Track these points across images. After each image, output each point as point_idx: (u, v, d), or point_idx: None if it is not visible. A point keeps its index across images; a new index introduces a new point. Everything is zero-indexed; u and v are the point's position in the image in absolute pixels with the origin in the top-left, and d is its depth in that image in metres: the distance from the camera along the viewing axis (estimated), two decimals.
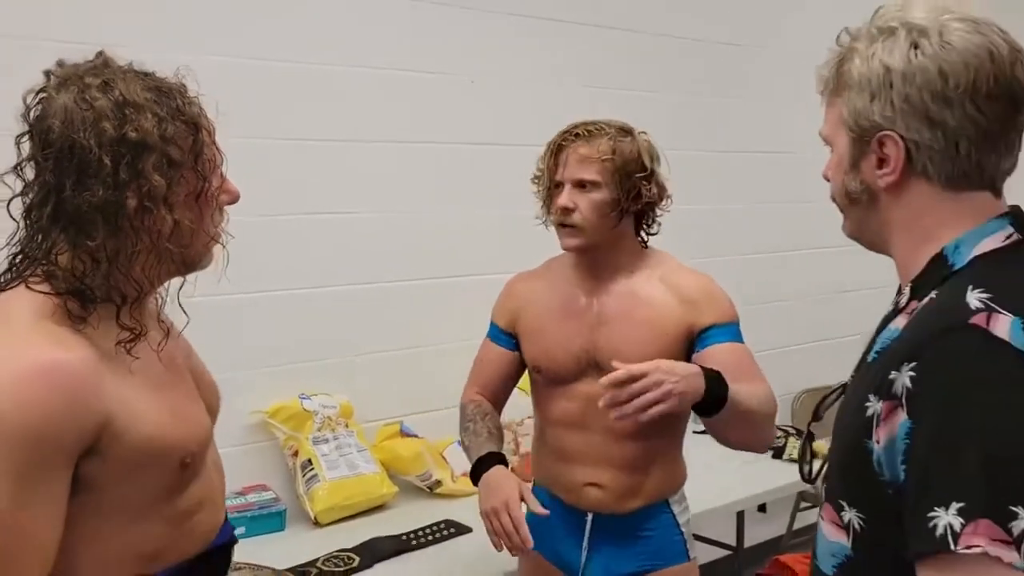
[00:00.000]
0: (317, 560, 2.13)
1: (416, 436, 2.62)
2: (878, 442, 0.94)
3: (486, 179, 2.83)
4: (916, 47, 0.98)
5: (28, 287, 1.08)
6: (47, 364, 1.02)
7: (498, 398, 2.02)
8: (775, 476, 2.78)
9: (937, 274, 1.01)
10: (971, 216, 1.01)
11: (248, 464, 2.38)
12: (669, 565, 1.87)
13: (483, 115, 2.83)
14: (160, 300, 1.25)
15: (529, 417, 2.67)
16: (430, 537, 2.28)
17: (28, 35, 2.03)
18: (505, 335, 1.98)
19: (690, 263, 1.92)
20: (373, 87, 2.61)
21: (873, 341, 1.07)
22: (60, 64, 1.12)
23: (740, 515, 3.08)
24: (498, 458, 1.83)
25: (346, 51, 2.55)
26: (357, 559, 2.14)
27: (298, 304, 2.51)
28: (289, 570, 2.05)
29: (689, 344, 1.79)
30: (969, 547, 0.84)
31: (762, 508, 3.13)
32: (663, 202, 1.85)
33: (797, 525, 3.58)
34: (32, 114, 1.10)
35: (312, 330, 2.54)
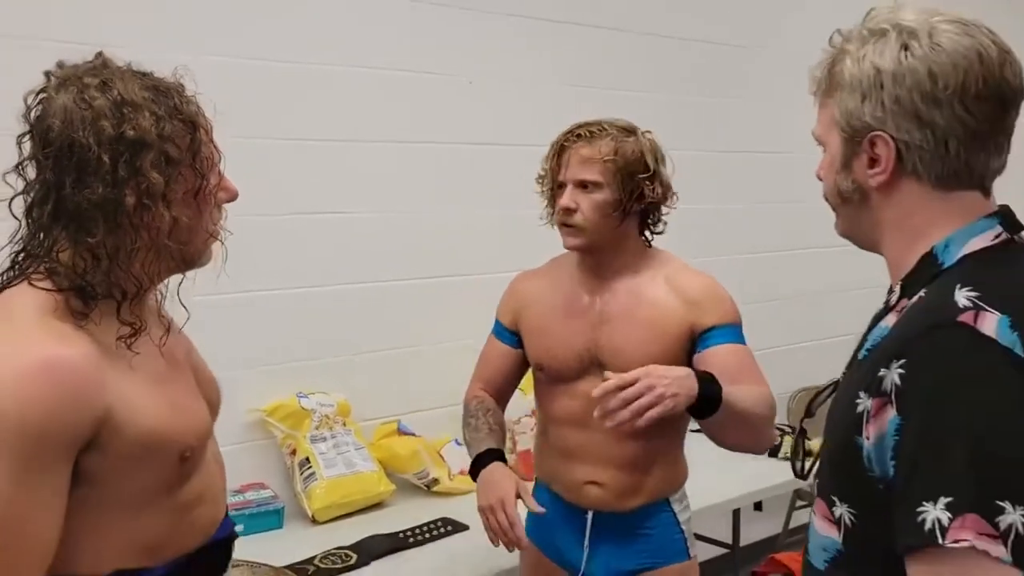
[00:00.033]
0: (315, 558, 2.14)
1: (413, 435, 2.63)
2: (868, 438, 0.96)
3: (484, 179, 2.84)
4: (906, 49, 1.00)
5: (31, 284, 1.10)
6: (49, 360, 1.03)
7: (502, 394, 2.03)
8: (771, 474, 2.79)
9: (927, 272, 1.02)
10: (960, 215, 1.02)
11: (246, 462, 2.39)
12: (669, 563, 1.88)
13: (482, 115, 2.84)
14: (160, 296, 1.27)
15: (526, 415, 2.70)
16: (427, 535, 2.29)
17: (28, 35, 2.04)
18: (509, 332, 1.99)
19: (690, 263, 1.92)
20: (372, 87, 2.62)
21: (864, 339, 1.08)
22: (60, 65, 1.14)
23: (736, 513, 3.09)
24: (497, 454, 1.84)
25: (345, 51, 2.56)
26: (354, 556, 2.15)
27: (296, 303, 2.52)
28: (287, 567, 2.06)
29: (691, 344, 1.79)
30: (957, 541, 0.85)
31: (758, 506, 3.14)
32: (668, 201, 1.85)
33: (793, 523, 3.59)
34: (33, 114, 1.12)
35: (310, 329, 2.55)
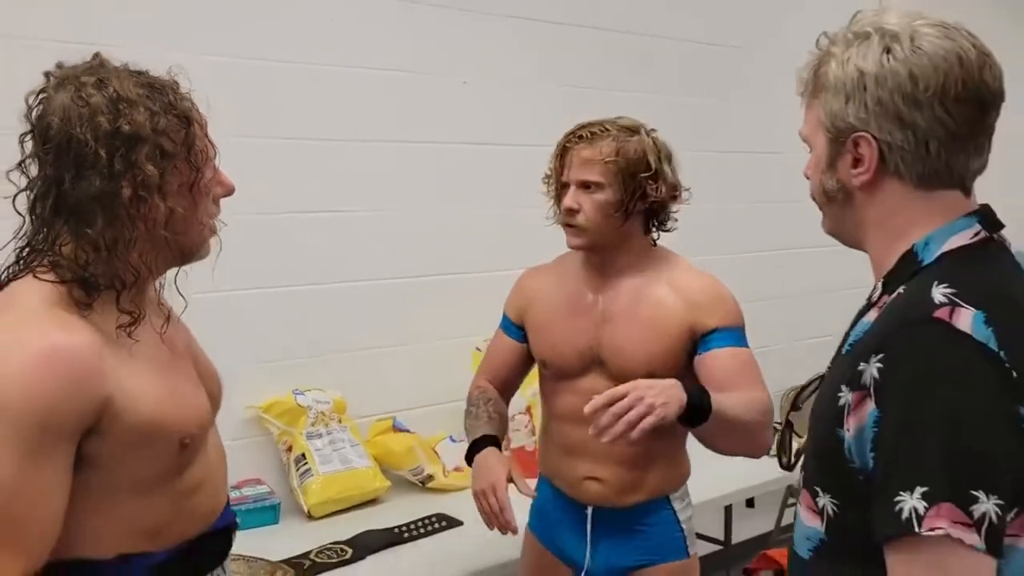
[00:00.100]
0: (311, 552, 2.16)
1: (408, 431, 2.65)
2: (849, 430, 0.98)
3: (482, 179, 2.86)
4: (888, 52, 1.02)
5: (35, 276, 1.14)
6: (54, 348, 1.08)
7: (507, 387, 2.05)
8: (763, 471, 2.77)
9: (907, 270, 1.05)
10: (941, 214, 1.05)
11: (243, 458, 2.40)
12: (668, 560, 1.88)
13: (479, 116, 2.86)
14: (160, 286, 1.30)
15: (520, 413, 2.72)
16: (422, 530, 2.31)
17: (28, 35, 2.06)
18: (515, 327, 2.00)
19: (691, 262, 1.91)
20: (370, 87, 2.63)
21: (847, 334, 1.11)
22: (59, 66, 1.19)
23: (728, 510, 3.10)
24: (492, 440, 1.86)
25: (344, 51, 2.58)
26: (350, 551, 2.17)
27: (293, 301, 2.54)
28: (283, 562, 2.08)
29: (692, 345, 1.80)
30: (932, 529, 0.88)
31: (750, 503, 3.15)
32: (675, 200, 1.84)
33: (785, 520, 3.60)
34: (34, 113, 1.16)
35: (306, 326, 2.57)
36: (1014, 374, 0.93)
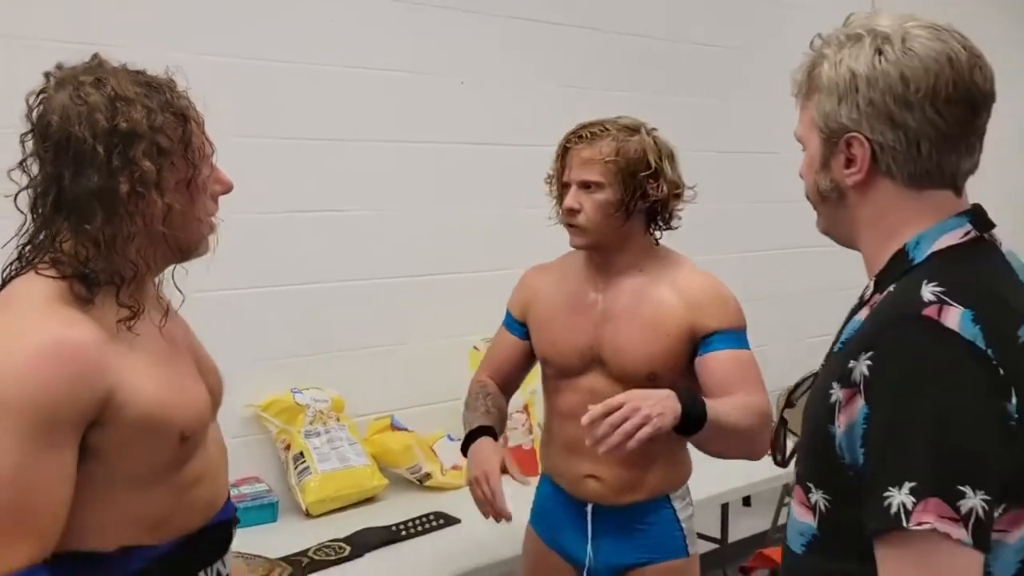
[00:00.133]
0: (309, 550, 2.16)
1: (406, 430, 2.66)
2: (840, 427, 1.00)
3: (481, 178, 2.87)
4: (880, 53, 1.04)
5: (37, 273, 1.17)
6: (58, 342, 1.10)
7: (508, 384, 2.05)
8: (760, 470, 2.76)
9: (898, 269, 1.06)
10: (932, 213, 1.06)
11: (241, 457, 2.40)
12: (668, 559, 1.89)
13: (478, 116, 2.86)
14: (159, 282, 1.33)
15: (518, 411, 2.73)
16: (419, 528, 2.32)
17: (28, 35, 2.07)
18: (518, 324, 2.01)
19: (693, 262, 1.92)
20: (370, 87, 2.64)
21: (840, 332, 1.12)
22: (59, 67, 1.21)
23: (724, 508, 3.12)
24: (487, 431, 1.87)
25: (343, 52, 2.58)
26: (348, 549, 2.18)
27: (292, 300, 2.55)
28: (281, 559, 2.09)
29: (692, 347, 1.80)
30: (920, 524, 0.89)
31: (747, 502, 3.16)
32: (677, 199, 1.84)
33: (782, 519, 3.61)
34: (34, 113, 1.18)
35: (305, 325, 2.58)
36: (1001, 371, 0.94)
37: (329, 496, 2.40)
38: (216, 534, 1.33)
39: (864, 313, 1.08)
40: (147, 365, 1.20)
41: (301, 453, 2.44)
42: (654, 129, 1.85)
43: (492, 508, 1.76)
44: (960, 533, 0.89)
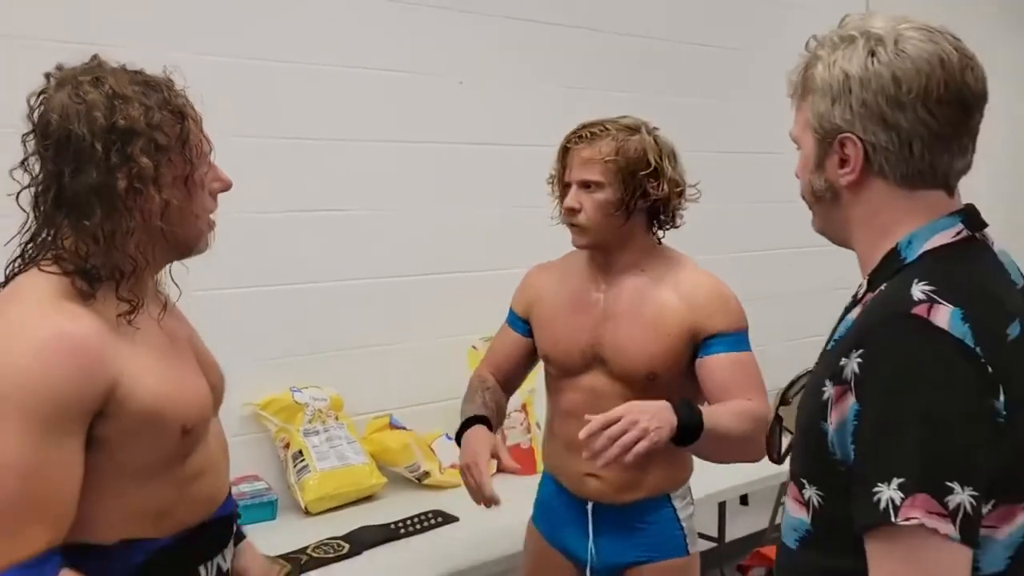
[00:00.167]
0: (308, 547, 2.17)
1: (405, 429, 2.67)
2: (831, 424, 1.01)
3: (480, 178, 2.88)
4: (873, 55, 1.05)
5: (40, 270, 1.19)
6: (62, 336, 1.13)
7: (508, 380, 2.05)
8: (757, 467, 2.76)
9: (890, 268, 1.07)
10: (924, 213, 1.07)
11: (240, 455, 2.39)
12: (667, 558, 1.90)
13: (477, 116, 2.87)
14: (158, 280, 1.35)
15: (516, 410, 2.74)
16: (418, 526, 2.33)
17: (28, 35, 2.08)
18: (521, 321, 2.02)
19: (696, 262, 1.92)
20: (369, 87, 2.65)
21: (834, 330, 1.13)
22: (59, 68, 1.24)
23: (722, 507, 3.12)
24: (481, 419, 1.87)
25: (343, 52, 2.59)
26: (347, 546, 2.18)
27: (290, 299, 2.55)
28: (280, 557, 2.10)
29: (693, 347, 1.80)
30: (908, 519, 0.90)
31: (744, 500, 3.17)
32: (679, 198, 1.84)
33: (779, 518, 3.60)
34: (35, 113, 1.21)
35: (304, 324, 2.59)
36: (989, 369, 0.95)
37: (328, 494, 2.41)
38: (217, 529, 1.35)
39: (857, 311, 1.09)
40: (147, 358, 1.22)
41: (300, 451, 2.45)
42: (655, 128, 1.85)
43: (479, 495, 1.76)
44: (948, 528, 0.90)
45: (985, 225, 1.11)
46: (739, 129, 3.53)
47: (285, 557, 2.11)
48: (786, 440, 1.64)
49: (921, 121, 1.03)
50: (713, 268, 1.90)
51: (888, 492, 0.92)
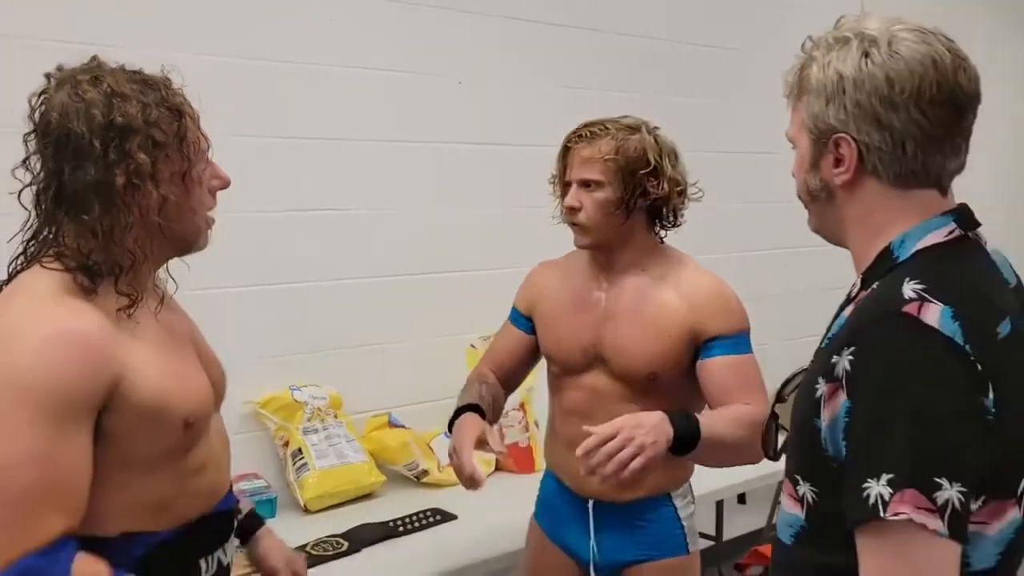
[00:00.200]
0: (307, 545, 2.18)
1: (404, 427, 2.68)
2: (824, 421, 1.02)
3: (479, 178, 2.88)
4: (867, 56, 1.06)
5: (43, 266, 1.21)
6: (67, 330, 1.15)
7: (509, 377, 2.05)
8: (754, 467, 2.76)
9: (883, 266, 1.08)
10: (917, 213, 1.08)
11: (240, 453, 2.37)
12: (667, 556, 1.90)
13: (476, 116, 2.88)
14: (155, 277, 1.36)
15: (514, 409, 2.75)
16: (417, 524, 2.34)
17: (28, 35, 2.08)
18: (524, 318, 2.02)
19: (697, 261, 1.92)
20: (368, 87, 2.66)
21: (828, 329, 1.14)
22: (59, 68, 1.26)
23: (719, 505, 3.13)
24: (472, 408, 1.87)
25: (342, 52, 2.60)
26: (346, 544, 2.19)
27: (290, 297, 2.56)
28: None
29: (694, 348, 1.81)
30: (896, 514, 0.91)
31: (742, 499, 3.18)
32: (680, 197, 1.84)
33: (777, 517, 3.62)
34: (36, 113, 1.23)
35: (303, 323, 2.59)
36: (979, 367, 0.96)
37: (327, 492, 2.42)
38: (218, 523, 1.36)
39: (850, 310, 1.10)
40: (148, 352, 1.24)
41: (299, 450, 2.46)
42: (656, 128, 1.86)
43: (462, 475, 1.76)
44: (936, 524, 0.91)
45: (978, 224, 1.11)
46: (739, 129, 3.53)
47: None
48: (782, 437, 1.66)
49: (914, 121, 1.04)
50: (713, 268, 1.90)
51: (877, 488, 0.93)
